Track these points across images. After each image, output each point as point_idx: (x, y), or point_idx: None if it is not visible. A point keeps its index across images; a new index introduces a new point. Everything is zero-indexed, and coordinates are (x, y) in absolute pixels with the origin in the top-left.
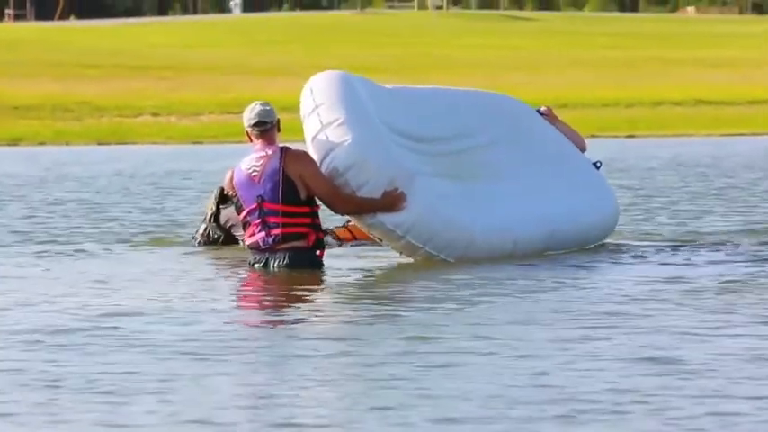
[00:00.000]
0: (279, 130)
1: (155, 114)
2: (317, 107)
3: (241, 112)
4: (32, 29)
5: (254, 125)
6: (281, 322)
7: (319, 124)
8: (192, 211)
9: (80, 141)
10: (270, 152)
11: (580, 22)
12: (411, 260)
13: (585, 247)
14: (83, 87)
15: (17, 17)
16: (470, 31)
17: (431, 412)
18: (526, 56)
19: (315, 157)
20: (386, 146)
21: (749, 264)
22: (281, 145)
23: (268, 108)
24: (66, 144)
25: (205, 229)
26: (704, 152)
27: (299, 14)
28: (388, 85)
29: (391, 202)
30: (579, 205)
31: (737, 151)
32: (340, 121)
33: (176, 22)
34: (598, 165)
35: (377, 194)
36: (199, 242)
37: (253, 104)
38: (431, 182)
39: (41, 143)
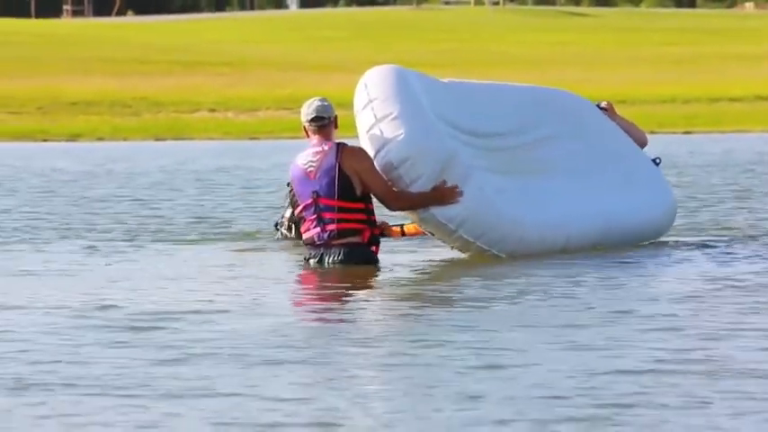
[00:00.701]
0: (336, 127)
1: (212, 110)
2: (370, 101)
3: (298, 108)
4: (90, 25)
5: (312, 120)
6: (332, 320)
7: (373, 118)
8: (236, 206)
9: (137, 137)
10: (326, 148)
11: (637, 18)
12: (464, 256)
13: (640, 243)
14: (140, 83)
15: (75, 13)
16: (526, 27)
17: (475, 414)
18: (583, 52)
19: (369, 151)
20: (440, 140)
21: None
22: (337, 141)
23: (326, 104)
24: (124, 140)
25: (289, 219)
26: (758, 148)
27: (356, 10)
28: (443, 79)
29: (444, 195)
30: (635, 202)
31: None
32: (394, 115)
33: (233, 18)
34: (657, 161)
35: (430, 187)
36: (282, 235)
37: (311, 100)
38: (485, 176)
39: (100, 138)
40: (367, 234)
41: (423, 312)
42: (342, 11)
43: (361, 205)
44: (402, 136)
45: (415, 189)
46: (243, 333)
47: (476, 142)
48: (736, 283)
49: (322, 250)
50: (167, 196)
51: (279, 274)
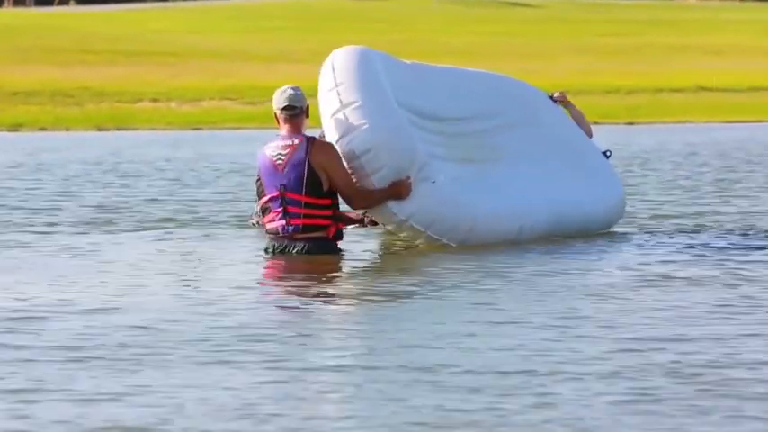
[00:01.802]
0: (307, 116)
1: (154, 100)
2: (337, 86)
3: (241, 99)
4: (32, 14)
5: (284, 109)
6: (291, 309)
7: (338, 103)
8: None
9: (80, 127)
10: (296, 142)
11: (580, 8)
12: (414, 244)
13: (590, 234)
14: (83, 73)
15: (16, 3)
16: (469, 18)
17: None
18: (526, 43)
19: (332, 135)
20: (404, 132)
21: (746, 250)
22: (307, 134)
23: (299, 93)
24: (66, 130)
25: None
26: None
27: (300, 0)
28: (407, 61)
29: (400, 191)
30: (587, 193)
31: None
32: (359, 103)
33: (177, 8)
34: (608, 154)
35: (390, 178)
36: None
37: (284, 87)
38: (440, 165)
39: (41, 129)
40: (332, 230)
41: (377, 303)
42: (286, 1)
43: (327, 201)
44: (366, 126)
45: (375, 179)
46: (194, 327)
47: (434, 127)
48: (674, 273)
49: (286, 242)
50: (82, 188)
51: (240, 264)
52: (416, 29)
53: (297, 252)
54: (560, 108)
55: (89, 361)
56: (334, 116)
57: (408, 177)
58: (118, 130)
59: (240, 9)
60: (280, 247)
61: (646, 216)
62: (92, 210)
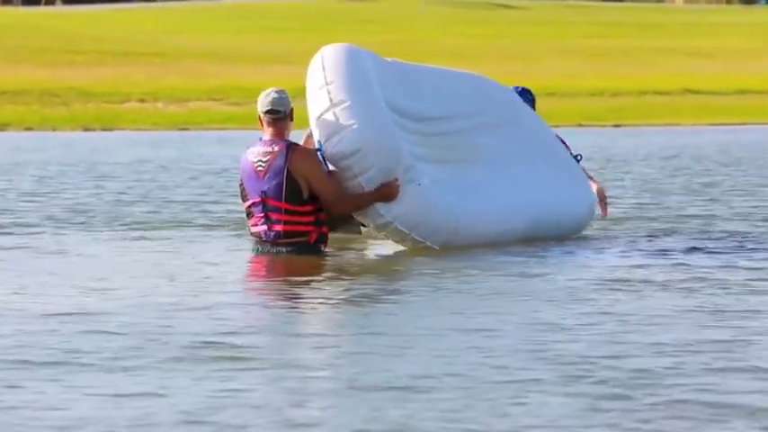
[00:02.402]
0: (292, 120)
1: (141, 100)
2: (327, 84)
3: (228, 100)
4: (19, 14)
5: (267, 112)
6: (263, 313)
7: (329, 102)
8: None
9: (66, 127)
10: (276, 149)
11: (566, 10)
12: (400, 247)
13: (566, 237)
14: (69, 73)
15: (3, 2)
16: (457, 20)
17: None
18: (512, 45)
19: (321, 134)
20: (393, 134)
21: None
22: (288, 140)
23: (283, 96)
24: (53, 129)
25: None
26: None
27: (289, 1)
28: (389, 59)
29: (388, 194)
30: (562, 196)
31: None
32: (349, 103)
33: (164, 8)
34: (579, 158)
35: (378, 179)
36: None
37: (268, 90)
38: (423, 167)
39: (28, 128)
40: (314, 236)
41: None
42: (274, 2)
43: (308, 208)
44: (356, 126)
45: (363, 180)
46: (180, 326)
47: (415, 127)
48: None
49: (269, 246)
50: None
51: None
52: (404, 30)
53: (280, 253)
54: (535, 111)
55: (47, 366)
56: (323, 115)
57: (396, 179)
58: (104, 130)
59: (228, 10)
60: (264, 251)
61: (615, 219)
62: (64, 210)
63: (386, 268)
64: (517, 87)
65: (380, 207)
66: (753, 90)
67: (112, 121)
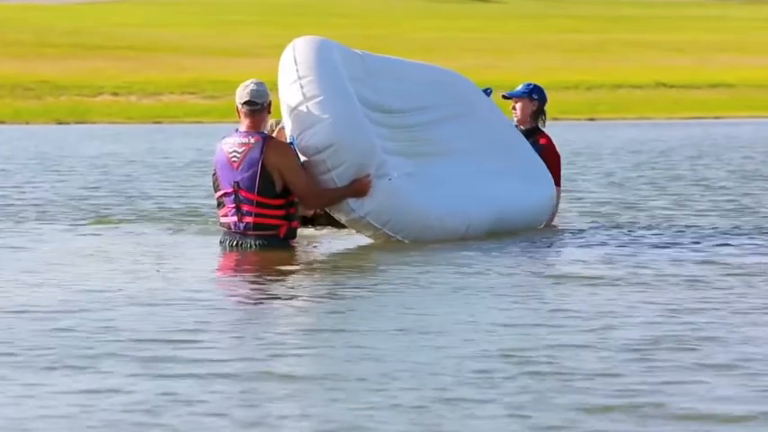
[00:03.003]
0: (269, 112)
1: (115, 94)
2: (300, 78)
3: (202, 93)
4: None
5: (245, 103)
6: (228, 308)
7: (301, 96)
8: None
9: (40, 120)
10: (252, 141)
11: (542, 4)
12: (371, 241)
13: (530, 228)
14: (42, 66)
15: None
16: (432, 14)
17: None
18: (488, 38)
19: (294, 128)
20: (366, 130)
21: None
22: (264, 133)
23: (261, 88)
24: (26, 123)
25: None
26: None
27: None
28: (358, 51)
29: (360, 189)
30: (524, 188)
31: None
32: (322, 98)
33: (138, 2)
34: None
35: (350, 174)
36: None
37: (247, 82)
38: (393, 161)
39: (1, 122)
40: (284, 230)
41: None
42: None
43: (280, 201)
44: (329, 121)
45: (335, 174)
46: (152, 319)
47: (381, 119)
48: (634, 269)
49: (238, 238)
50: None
51: (195, 257)
52: (379, 24)
53: (249, 248)
54: (495, 103)
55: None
56: (296, 109)
57: (368, 175)
58: (78, 123)
59: (202, 3)
60: (233, 242)
61: (576, 213)
62: (27, 204)
63: (352, 264)
64: (528, 84)
65: (352, 202)
66: (725, 84)
67: (86, 115)
